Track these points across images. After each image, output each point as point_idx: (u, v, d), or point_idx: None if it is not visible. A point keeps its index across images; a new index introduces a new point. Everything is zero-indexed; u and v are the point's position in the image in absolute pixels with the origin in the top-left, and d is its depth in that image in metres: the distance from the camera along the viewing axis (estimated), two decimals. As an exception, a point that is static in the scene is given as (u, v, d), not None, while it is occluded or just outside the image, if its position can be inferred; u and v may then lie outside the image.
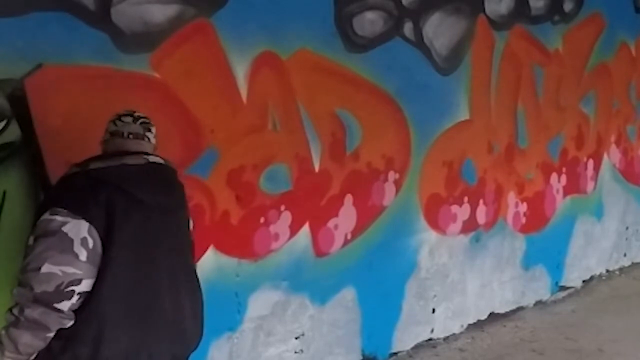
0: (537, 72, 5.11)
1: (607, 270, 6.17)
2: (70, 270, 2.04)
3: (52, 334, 2.05)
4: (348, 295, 4.02)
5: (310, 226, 3.78)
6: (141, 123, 2.32)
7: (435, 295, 4.57)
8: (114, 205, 2.10)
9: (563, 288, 5.64)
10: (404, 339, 4.40)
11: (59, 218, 2.06)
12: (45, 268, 2.02)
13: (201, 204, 3.27)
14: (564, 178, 5.49)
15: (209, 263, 3.34)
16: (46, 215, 2.09)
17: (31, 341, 2.04)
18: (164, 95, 3.11)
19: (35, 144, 2.64)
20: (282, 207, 3.62)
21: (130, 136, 2.29)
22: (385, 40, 4.03)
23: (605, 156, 5.94)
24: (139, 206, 2.15)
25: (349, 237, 3.98)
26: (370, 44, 3.95)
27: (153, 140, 2.35)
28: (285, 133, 3.62)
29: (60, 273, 2.03)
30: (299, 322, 3.81)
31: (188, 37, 3.18)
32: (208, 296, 3.36)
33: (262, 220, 3.54)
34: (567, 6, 5.32)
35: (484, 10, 4.63)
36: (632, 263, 6.43)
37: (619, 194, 6.13)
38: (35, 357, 2.09)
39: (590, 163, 5.76)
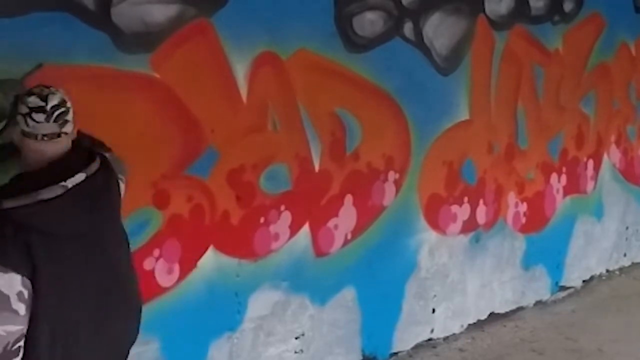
0: (537, 72, 5.11)
1: (607, 270, 6.16)
2: (13, 328, 1.96)
3: None
4: (348, 295, 4.02)
5: (310, 226, 3.78)
6: (55, 118, 2.07)
7: (435, 295, 4.57)
8: (33, 249, 1.97)
9: (563, 288, 5.64)
10: (404, 339, 4.40)
11: None
12: None
13: (201, 204, 3.27)
14: (564, 178, 5.49)
15: (209, 263, 3.35)
16: None
17: None
18: (164, 95, 3.11)
19: (35, 144, 2.63)
20: (282, 207, 3.62)
21: (45, 138, 2.06)
22: (385, 40, 4.03)
23: (605, 156, 5.93)
24: (58, 245, 2.04)
25: (349, 237, 3.98)
26: (370, 44, 3.95)
27: (70, 130, 2.12)
28: (285, 133, 3.62)
29: (4, 333, 1.94)
30: (299, 322, 3.81)
31: (188, 37, 3.18)
32: (208, 296, 3.38)
33: (262, 220, 3.54)
34: (567, 6, 5.31)
35: (484, 10, 4.63)
36: (632, 263, 6.41)
37: (619, 194, 6.12)
38: None
39: (590, 163, 5.76)
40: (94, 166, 2.17)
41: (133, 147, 2.89)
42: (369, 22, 3.93)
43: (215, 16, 3.26)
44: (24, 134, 2.08)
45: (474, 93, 4.61)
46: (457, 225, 4.64)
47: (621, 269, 6.29)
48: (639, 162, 6.36)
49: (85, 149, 2.24)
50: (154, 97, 3.06)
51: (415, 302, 4.43)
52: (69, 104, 2.13)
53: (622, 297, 5.62)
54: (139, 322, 2.38)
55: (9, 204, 1.99)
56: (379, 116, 4.06)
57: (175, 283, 3.22)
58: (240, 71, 3.39)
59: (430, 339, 4.60)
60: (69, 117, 2.13)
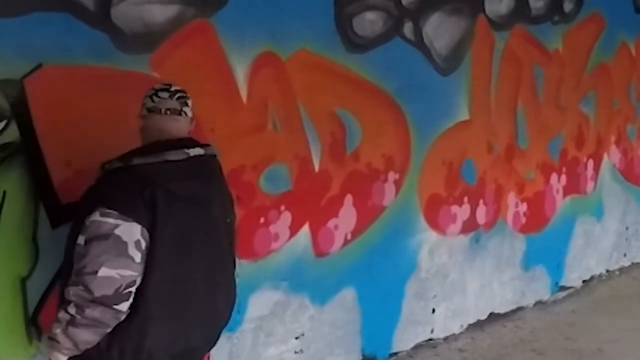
0: (537, 72, 5.11)
1: (607, 271, 6.17)
2: (127, 272, 2.10)
3: (110, 329, 2.12)
4: (348, 295, 4.02)
5: (310, 226, 3.78)
6: (178, 98, 2.36)
7: (435, 296, 4.57)
8: (157, 203, 2.15)
9: (563, 288, 5.64)
10: (404, 339, 4.40)
11: (110, 220, 2.10)
12: (103, 272, 2.07)
13: (201, 204, 3.26)
14: (564, 178, 5.49)
15: (209, 263, 3.34)
16: (96, 217, 2.11)
17: (92, 338, 2.11)
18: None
19: (35, 144, 2.64)
20: (282, 207, 3.62)
21: (168, 112, 2.33)
22: (385, 41, 4.02)
23: (605, 156, 5.94)
24: (178, 203, 2.20)
25: (348, 237, 3.98)
26: (370, 44, 3.95)
27: (190, 114, 2.40)
28: (285, 133, 3.62)
29: (118, 276, 2.08)
30: (299, 322, 3.81)
31: (188, 37, 3.17)
32: (208, 296, 3.36)
33: (262, 220, 3.54)
34: (567, 6, 5.32)
35: (484, 11, 4.63)
36: (632, 263, 6.43)
37: (619, 194, 6.13)
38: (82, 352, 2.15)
39: (590, 163, 5.76)
40: (211, 150, 2.43)
41: (133, 147, 2.88)
42: (369, 22, 3.93)
43: (215, 16, 3.26)
44: (149, 110, 2.35)
45: (474, 93, 4.61)
46: (457, 226, 4.64)
47: (621, 269, 6.30)
48: (639, 162, 6.36)
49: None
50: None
51: (415, 302, 4.43)
52: (189, 96, 2.41)
53: (622, 297, 5.63)
54: (233, 304, 2.55)
55: (138, 160, 2.22)
56: (379, 116, 4.06)
57: (175, 283, 3.22)
58: (240, 71, 3.38)
59: (430, 339, 4.60)
60: (189, 103, 2.40)
